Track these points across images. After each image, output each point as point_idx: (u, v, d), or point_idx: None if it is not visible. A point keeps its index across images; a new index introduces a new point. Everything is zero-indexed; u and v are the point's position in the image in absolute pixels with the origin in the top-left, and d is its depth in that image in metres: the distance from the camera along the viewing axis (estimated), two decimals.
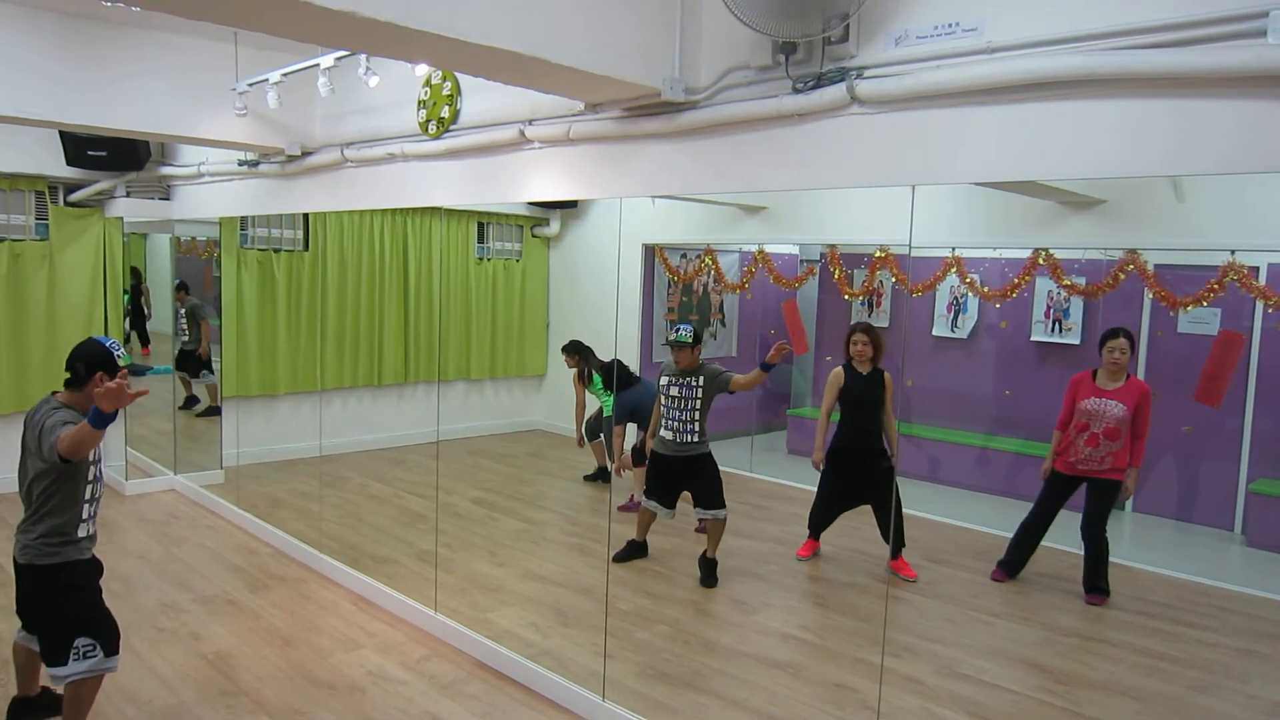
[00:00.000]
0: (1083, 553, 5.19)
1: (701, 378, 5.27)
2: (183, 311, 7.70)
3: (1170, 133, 2.37)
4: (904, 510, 5.81)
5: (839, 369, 5.54)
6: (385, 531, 6.32)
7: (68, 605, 3.34)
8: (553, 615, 4.89)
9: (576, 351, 6.98)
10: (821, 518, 5.73)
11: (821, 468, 5.55)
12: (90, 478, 3.37)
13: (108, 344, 3.32)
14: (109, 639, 3.42)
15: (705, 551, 5.41)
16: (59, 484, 3.26)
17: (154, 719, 3.79)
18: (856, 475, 5.46)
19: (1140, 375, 6.78)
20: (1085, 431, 5.08)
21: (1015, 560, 5.39)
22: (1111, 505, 5.17)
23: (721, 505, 5.34)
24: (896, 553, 5.47)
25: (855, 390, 5.44)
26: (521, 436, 9.43)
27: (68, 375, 3.30)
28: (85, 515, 3.37)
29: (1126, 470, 5.11)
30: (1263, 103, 2.20)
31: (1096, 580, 5.13)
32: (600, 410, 7.04)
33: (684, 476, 5.39)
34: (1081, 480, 5.18)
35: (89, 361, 3.26)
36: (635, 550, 5.67)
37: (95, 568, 3.48)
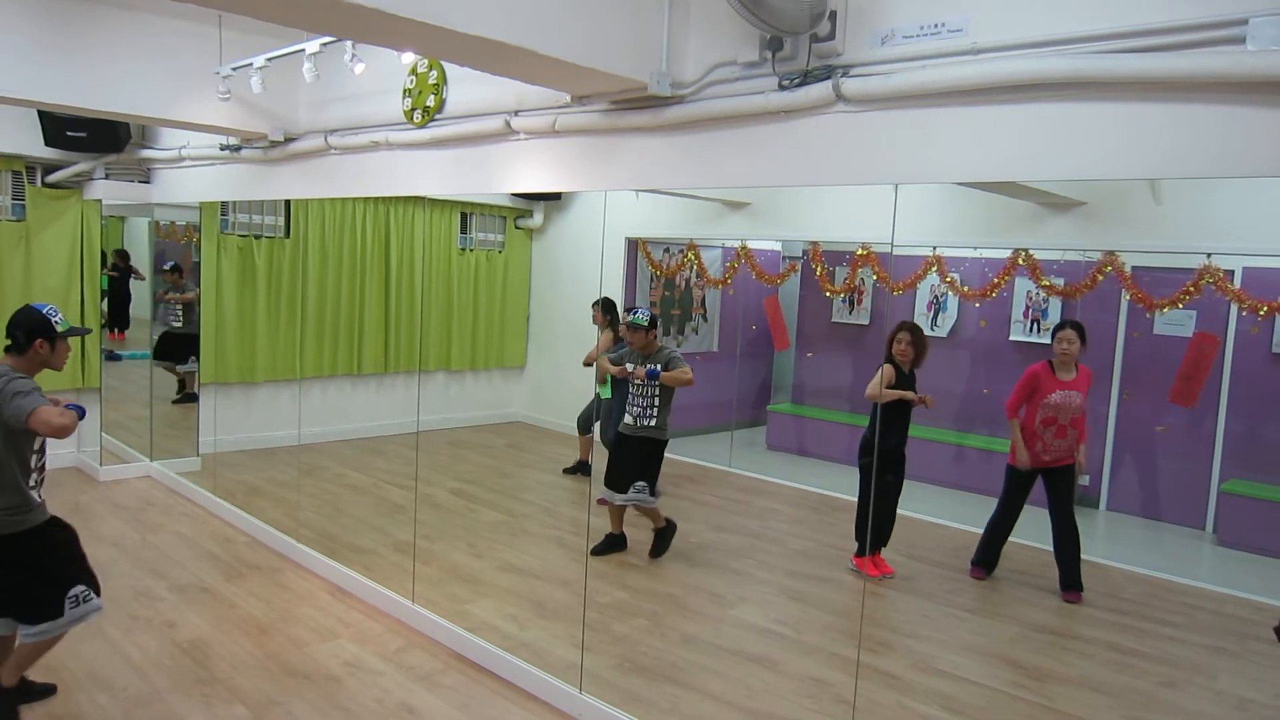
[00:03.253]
0: (1053, 547, 5.24)
1: (657, 365, 5.42)
2: (178, 294, 7.60)
3: (1154, 137, 2.39)
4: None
5: (889, 366, 5.31)
6: (363, 521, 6.30)
7: (60, 559, 3.46)
8: (531, 607, 4.89)
9: (608, 310, 6.85)
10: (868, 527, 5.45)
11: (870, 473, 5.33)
12: (36, 447, 3.42)
13: (45, 310, 3.41)
14: (94, 580, 3.55)
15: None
16: (7, 455, 3.28)
17: (127, 707, 3.76)
18: (883, 474, 5.36)
19: (1116, 375, 6.87)
20: (1053, 425, 5.14)
21: (989, 557, 5.45)
22: (1073, 487, 5.28)
23: (638, 485, 5.44)
24: (876, 549, 5.47)
25: (902, 388, 5.29)
26: (501, 428, 9.42)
27: (8, 343, 3.37)
28: (34, 482, 3.41)
29: (1078, 448, 5.23)
30: (1244, 108, 2.22)
31: (1072, 576, 5.18)
32: (594, 399, 6.96)
33: (635, 459, 5.49)
34: (1039, 472, 5.26)
35: (28, 329, 3.34)
36: (614, 543, 5.69)
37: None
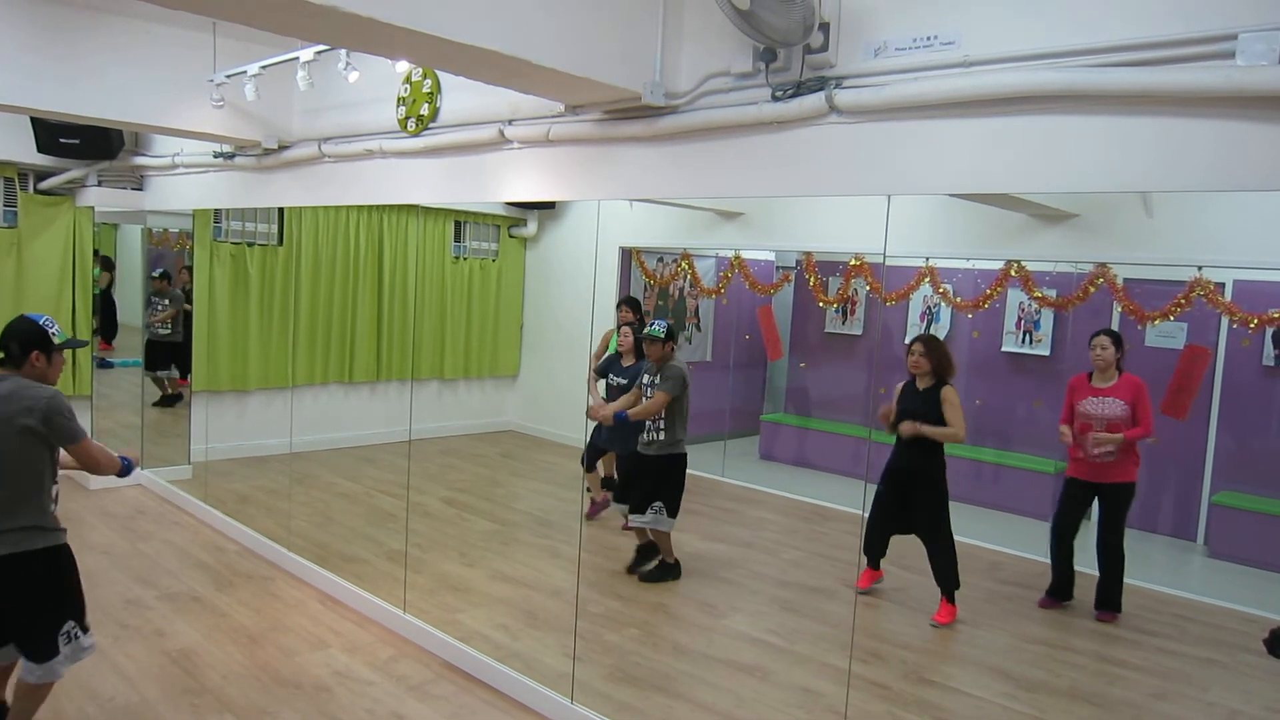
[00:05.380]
0: (1096, 569, 5.09)
1: (659, 375, 5.27)
2: (165, 302, 7.58)
3: (1145, 150, 2.41)
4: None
5: (900, 385, 5.21)
6: (355, 530, 6.27)
7: (66, 588, 3.26)
8: (522, 617, 4.88)
9: (635, 308, 6.52)
10: (876, 542, 5.26)
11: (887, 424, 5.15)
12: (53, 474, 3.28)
13: (41, 321, 3.25)
14: (85, 617, 3.36)
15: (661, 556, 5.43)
16: (27, 467, 3.11)
17: (115, 717, 3.73)
18: (907, 498, 5.07)
19: None
20: (1089, 432, 5.07)
21: (1061, 582, 5.23)
22: (1125, 513, 5.09)
23: (655, 506, 5.28)
24: (946, 592, 5.01)
25: (909, 406, 5.06)
26: (494, 437, 9.40)
27: (1, 355, 3.20)
28: (55, 496, 3.27)
29: (1132, 464, 5.07)
30: (1234, 122, 2.24)
31: (1111, 595, 5.07)
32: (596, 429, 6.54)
33: (651, 477, 5.34)
34: (1096, 486, 5.09)
35: (23, 341, 3.18)
36: (646, 558, 5.57)
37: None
